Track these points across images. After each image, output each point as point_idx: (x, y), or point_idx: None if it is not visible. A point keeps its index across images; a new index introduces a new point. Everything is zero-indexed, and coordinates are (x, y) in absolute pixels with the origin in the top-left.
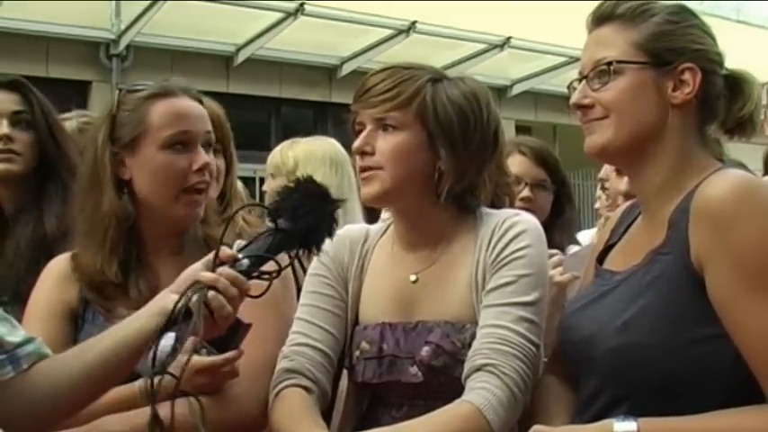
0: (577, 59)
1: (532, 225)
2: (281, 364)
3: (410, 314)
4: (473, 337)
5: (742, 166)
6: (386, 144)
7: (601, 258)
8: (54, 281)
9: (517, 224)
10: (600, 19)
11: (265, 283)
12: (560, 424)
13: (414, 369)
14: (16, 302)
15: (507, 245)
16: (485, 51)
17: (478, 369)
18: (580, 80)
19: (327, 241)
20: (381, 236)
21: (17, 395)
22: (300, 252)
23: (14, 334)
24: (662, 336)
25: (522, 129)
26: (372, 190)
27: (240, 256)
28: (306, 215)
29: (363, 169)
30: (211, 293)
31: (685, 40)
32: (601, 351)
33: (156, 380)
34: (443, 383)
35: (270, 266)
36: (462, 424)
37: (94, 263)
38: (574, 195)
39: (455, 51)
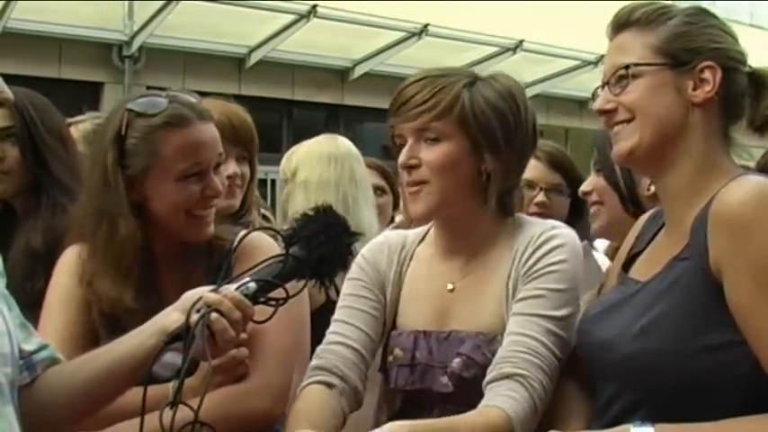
0: (590, 63)
1: (571, 240)
2: (312, 362)
3: (444, 323)
4: None
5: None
6: (431, 156)
7: (626, 266)
8: (68, 275)
9: (555, 237)
10: (618, 26)
11: (271, 309)
12: (577, 429)
13: (444, 379)
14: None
15: (542, 257)
16: (497, 54)
17: (507, 377)
18: (603, 87)
19: (364, 250)
20: (420, 242)
21: (31, 400)
22: (312, 282)
23: (30, 341)
24: (679, 341)
25: None
26: (421, 207)
27: (248, 278)
28: (320, 246)
29: (411, 184)
30: (214, 316)
31: (703, 39)
32: (619, 356)
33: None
34: (473, 392)
35: (278, 293)
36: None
37: (112, 292)
38: None
39: (467, 54)
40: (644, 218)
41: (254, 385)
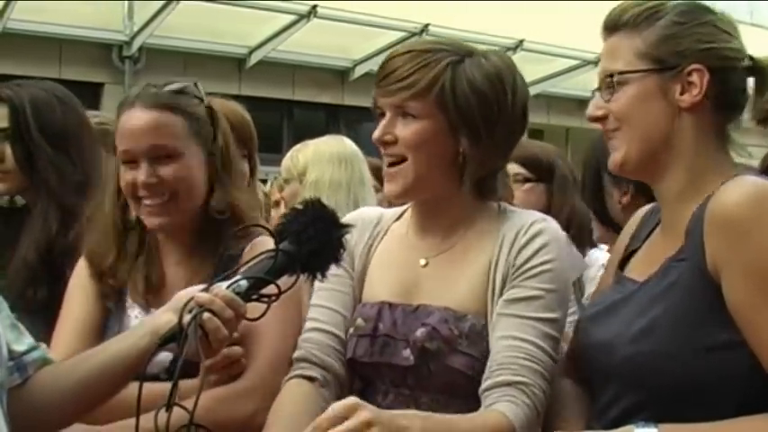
0: (590, 62)
1: (559, 235)
2: (294, 354)
3: (413, 297)
4: (472, 328)
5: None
6: (406, 132)
7: (622, 264)
8: (86, 269)
9: (544, 232)
10: (608, 28)
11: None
12: (578, 428)
13: (407, 352)
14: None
15: (535, 254)
16: None
17: (507, 384)
18: (597, 90)
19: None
20: (396, 219)
21: (22, 401)
22: (304, 276)
23: (21, 342)
24: (679, 343)
25: (534, 132)
26: (396, 187)
27: (239, 276)
28: (310, 239)
29: (388, 162)
30: (207, 315)
31: (690, 40)
32: (618, 358)
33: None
34: (433, 372)
35: (270, 289)
36: None
37: (98, 248)
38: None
39: None
40: (640, 213)
41: (243, 387)
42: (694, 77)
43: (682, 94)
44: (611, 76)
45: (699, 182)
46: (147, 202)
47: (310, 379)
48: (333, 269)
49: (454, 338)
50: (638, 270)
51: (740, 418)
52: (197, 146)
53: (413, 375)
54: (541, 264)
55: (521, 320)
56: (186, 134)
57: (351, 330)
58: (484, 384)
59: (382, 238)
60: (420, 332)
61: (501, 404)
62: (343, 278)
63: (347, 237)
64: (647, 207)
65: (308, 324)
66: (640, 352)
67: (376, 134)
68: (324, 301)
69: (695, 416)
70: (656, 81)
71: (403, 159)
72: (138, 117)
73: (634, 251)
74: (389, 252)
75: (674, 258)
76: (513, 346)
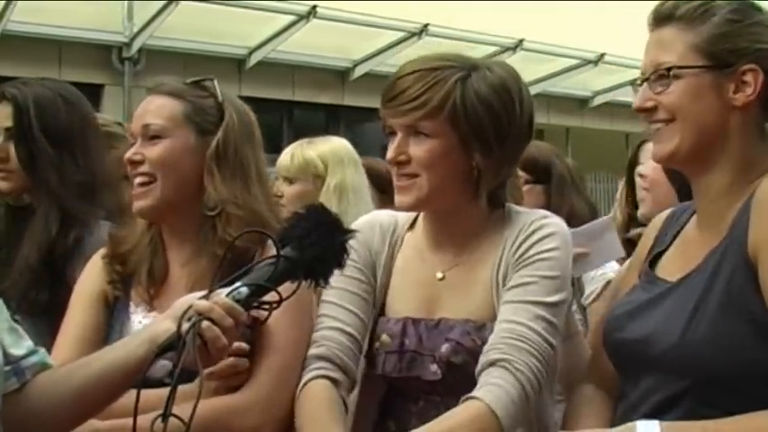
0: (590, 61)
1: (561, 228)
2: (311, 350)
3: (433, 311)
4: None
5: None
6: (419, 152)
7: (652, 265)
8: (92, 273)
9: (546, 226)
10: (660, 20)
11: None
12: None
13: (434, 367)
14: (20, 314)
15: (533, 245)
16: (497, 54)
17: (492, 364)
18: (641, 82)
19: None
20: (409, 228)
21: (19, 406)
22: (306, 283)
23: (20, 345)
24: (725, 332)
25: (534, 132)
26: (409, 199)
27: (239, 284)
28: (313, 245)
29: (400, 178)
30: (206, 324)
31: (746, 40)
32: (659, 350)
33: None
34: (460, 380)
35: (272, 296)
36: (474, 426)
37: (126, 238)
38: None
39: (468, 54)
40: (661, 217)
41: (243, 401)
42: (748, 77)
43: (735, 92)
44: (669, 69)
45: (746, 177)
46: (136, 181)
47: (334, 381)
48: (351, 273)
49: (477, 348)
50: (671, 268)
51: (743, 415)
52: (192, 133)
53: (441, 386)
54: (537, 253)
55: (514, 305)
56: (181, 120)
57: (377, 345)
58: (477, 367)
59: (399, 248)
60: (445, 348)
61: (481, 390)
62: (363, 284)
63: (355, 240)
64: (667, 212)
65: (328, 321)
66: (686, 342)
67: (389, 155)
68: (344, 302)
69: (735, 405)
70: (711, 78)
71: (416, 176)
72: (144, 102)
73: (661, 252)
74: (407, 265)
75: (717, 248)
76: (503, 328)
